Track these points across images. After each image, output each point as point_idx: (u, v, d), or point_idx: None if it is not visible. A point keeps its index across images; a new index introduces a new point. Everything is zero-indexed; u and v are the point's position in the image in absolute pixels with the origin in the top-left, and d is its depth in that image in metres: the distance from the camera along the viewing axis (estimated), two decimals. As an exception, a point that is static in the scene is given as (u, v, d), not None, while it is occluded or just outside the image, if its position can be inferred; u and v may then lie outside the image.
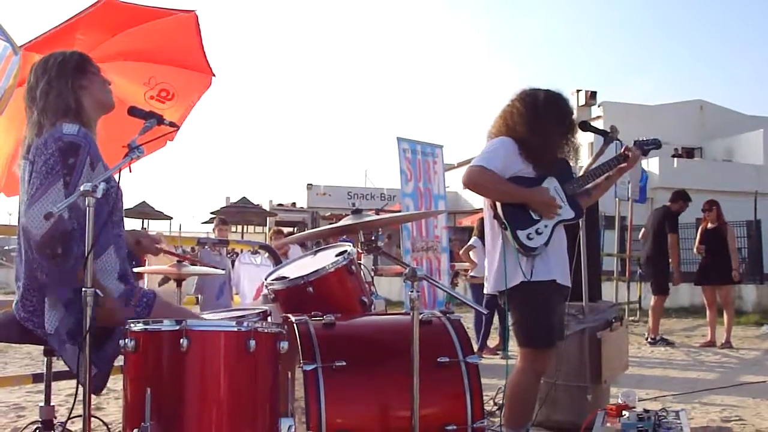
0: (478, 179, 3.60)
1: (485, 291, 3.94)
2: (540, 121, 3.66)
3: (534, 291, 3.58)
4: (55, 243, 2.72)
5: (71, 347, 2.81)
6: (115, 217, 3.01)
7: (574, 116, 3.89)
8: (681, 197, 9.67)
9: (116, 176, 2.92)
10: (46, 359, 3.32)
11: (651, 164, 23.49)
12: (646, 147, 4.05)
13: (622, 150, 3.96)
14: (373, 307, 3.54)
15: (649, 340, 9.70)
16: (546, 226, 3.64)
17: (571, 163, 3.91)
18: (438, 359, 2.89)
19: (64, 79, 3.03)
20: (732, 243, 9.58)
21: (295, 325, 2.90)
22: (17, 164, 3.02)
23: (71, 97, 3.01)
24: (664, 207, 9.92)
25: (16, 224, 3.02)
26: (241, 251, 8.88)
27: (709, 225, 9.69)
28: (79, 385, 2.55)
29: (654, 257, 9.86)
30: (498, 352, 8.43)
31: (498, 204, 3.66)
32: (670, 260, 9.64)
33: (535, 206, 3.64)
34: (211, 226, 9.42)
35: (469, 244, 9.14)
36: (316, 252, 3.89)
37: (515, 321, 3.68)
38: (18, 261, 2.97)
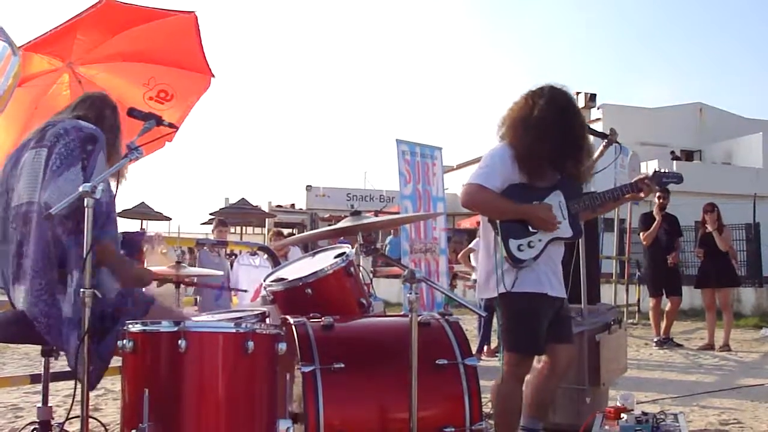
0: (477, 199, 3.56)
1: (476, 295, 3.93)
2: (532, 125, 3.52)
3: (518, 301, 3.55)
4: (76, 217, 2.73)
5: (74, 340, 2.82)
6: (112, 215, 3.03)
7: (577, 124, 3.66)
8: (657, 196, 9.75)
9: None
10: (43, 360, 3.32)
11: (650, 167, 23.46)
12: (666, 180, 3.89)
13: (641, 179, 3.84)
14: (371, 308, 3.54)
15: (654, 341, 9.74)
16: (540, 241, 3.57)
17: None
18: (436, 361, 2.88)
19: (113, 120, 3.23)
20: (726, 243, 9.61)
21: (293, 326, 2.90)
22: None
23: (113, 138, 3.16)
24: (650, 212, 9.98)
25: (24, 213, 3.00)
26: (240, 252, 8.87)
27: (708, 229, 9.71)
28: (77, 385, 2.55)
29: (646, 261, 10.04)
30: (497, 354, 8.42)
31: None
32: (669, 262, 9.69)
33: (534, 222, 3.57)
34: (210, 227, 9.43)
35: (469, 246, 9.13)
36: (314, 253, 3.88)
37: (502, 326, 3.67)
38: (26, 251, 2.93)
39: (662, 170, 3.93)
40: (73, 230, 2.81)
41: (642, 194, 3.87)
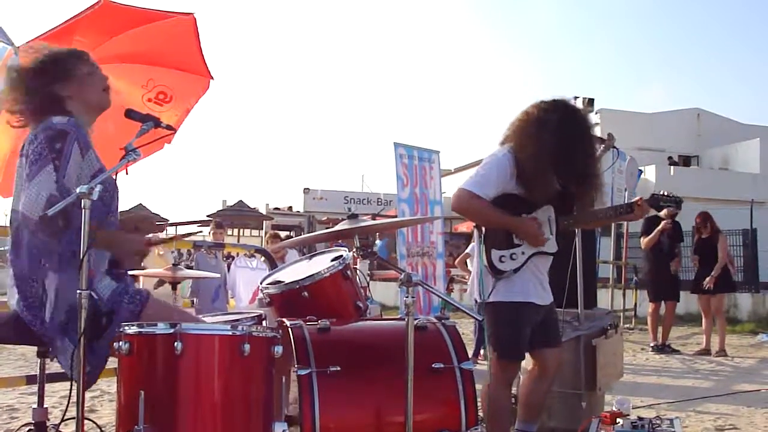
0: (466, 206, 3.57)
1: (471, 297, 3.95)
2: (540, 139, 3.48)
3: (502, 309, 3.59)
4: (55, 219, 2.72)
5: (66, 342, 2.81)
6: (111, 218, 3.02)
7: (586, 144, 3.62)
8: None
9: (113, 177, 2.93)
10: (39, 361, 3.31)
11: (648, 172, 23.47)
12: (663, 203, 3.82)
13: (635, 200, 3.79)
14: (368, 312, 3.54)
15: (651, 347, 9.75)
16: (523, 254, 3.59)
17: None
18: (432, 365, 2.88)
19: (47, 87, 3.03)
20: (722, 253, 9.61)
21: (289, 329, 2.90)
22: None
23: (56, 103, 3.02)
24: (655, 216, 9.97)
25: (9, 222, 3.02)
26: (237, 255, 8.87)
27: (703, 235, 9.74)
28: (73, 387, 2.54)
29: (648, 266, 10.05)
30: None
31: None
32: (672, 269, 9.71)
33: (521, 236, 3.58)
34: (207, 229, 9.39)
35: (466, 251, 9.14)
36: (311, 256, 3.88)
37: (487, 331, 3.70)
38: (14, 256, 2.95)
39: (661, 193, 3.85)
40: (52, 233, 2.79)
41: (635, 216, 3.82)
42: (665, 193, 3.84)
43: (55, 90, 3.03)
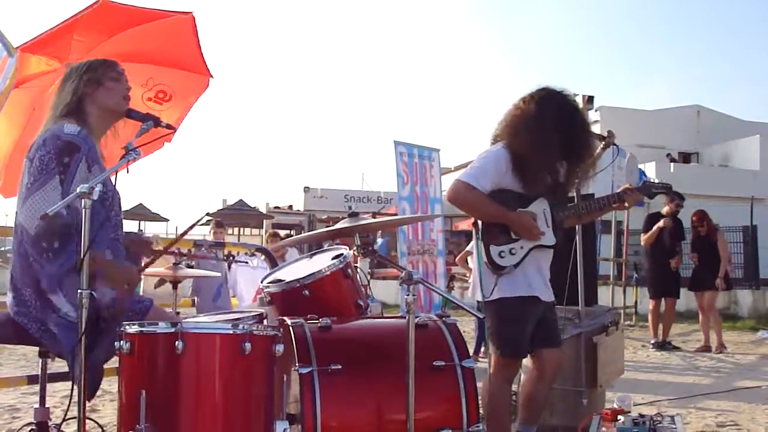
0: (463, 197, 3.57)
1: (472, 296, 3.95)
2: (529, 127, 3.51)
3: (505, 305, 3.58)
4: (51, 237, 2.72)
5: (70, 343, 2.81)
6: (111, 221, 3.01)
7: (574, 125, 3.63)
8: (669, 198, 9.66)
9: (113, 179, 2.93)
10: (41, 361, 3.31)
11: (648, 169, 23.44)
12: (654, 190, 3.93)
13: (625, 189, 3.85)
14: (369, 310, 3.54)
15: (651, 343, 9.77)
16: (522, 248, 3.58)
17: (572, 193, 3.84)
18: (434, 363, 2.88)
19: (72, 85, 3.08)
20: (723, 251, 9.63)
21: (290, 328, 2.90)
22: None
23: (75, 103, 3.04)
24: (657, 212, 9.98)
25: (13, 224, 3.02)
26: (238, 254, 8.86)
27: (701, 233, 9.76)
28: (74, 387, 2.54)
29: (648, 263, 10.08)
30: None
31: None
32: (672, 266, 9.72)
33: (516, 230, 3.58)
34: (208, 228, 9.42)
35: (466, 249, 9.15)
36: (312, 255, 3.88)
37: (490, 327, 3.70)
38: (14, 257, 2.96)
39: (652, 181, 3.97)
40: (44, 251, 2.76)
41: (627, 205, 3.87)
42: (655, 181, 3.98)
43: (80, 89, 3.07)
